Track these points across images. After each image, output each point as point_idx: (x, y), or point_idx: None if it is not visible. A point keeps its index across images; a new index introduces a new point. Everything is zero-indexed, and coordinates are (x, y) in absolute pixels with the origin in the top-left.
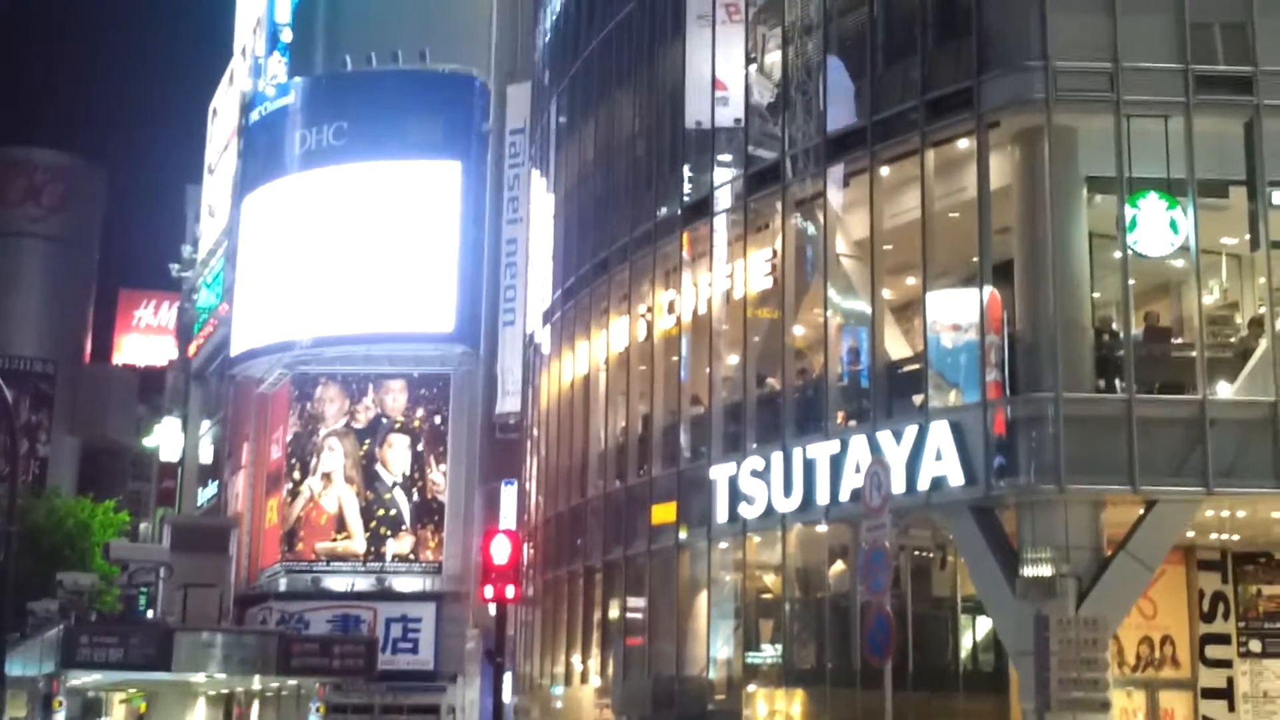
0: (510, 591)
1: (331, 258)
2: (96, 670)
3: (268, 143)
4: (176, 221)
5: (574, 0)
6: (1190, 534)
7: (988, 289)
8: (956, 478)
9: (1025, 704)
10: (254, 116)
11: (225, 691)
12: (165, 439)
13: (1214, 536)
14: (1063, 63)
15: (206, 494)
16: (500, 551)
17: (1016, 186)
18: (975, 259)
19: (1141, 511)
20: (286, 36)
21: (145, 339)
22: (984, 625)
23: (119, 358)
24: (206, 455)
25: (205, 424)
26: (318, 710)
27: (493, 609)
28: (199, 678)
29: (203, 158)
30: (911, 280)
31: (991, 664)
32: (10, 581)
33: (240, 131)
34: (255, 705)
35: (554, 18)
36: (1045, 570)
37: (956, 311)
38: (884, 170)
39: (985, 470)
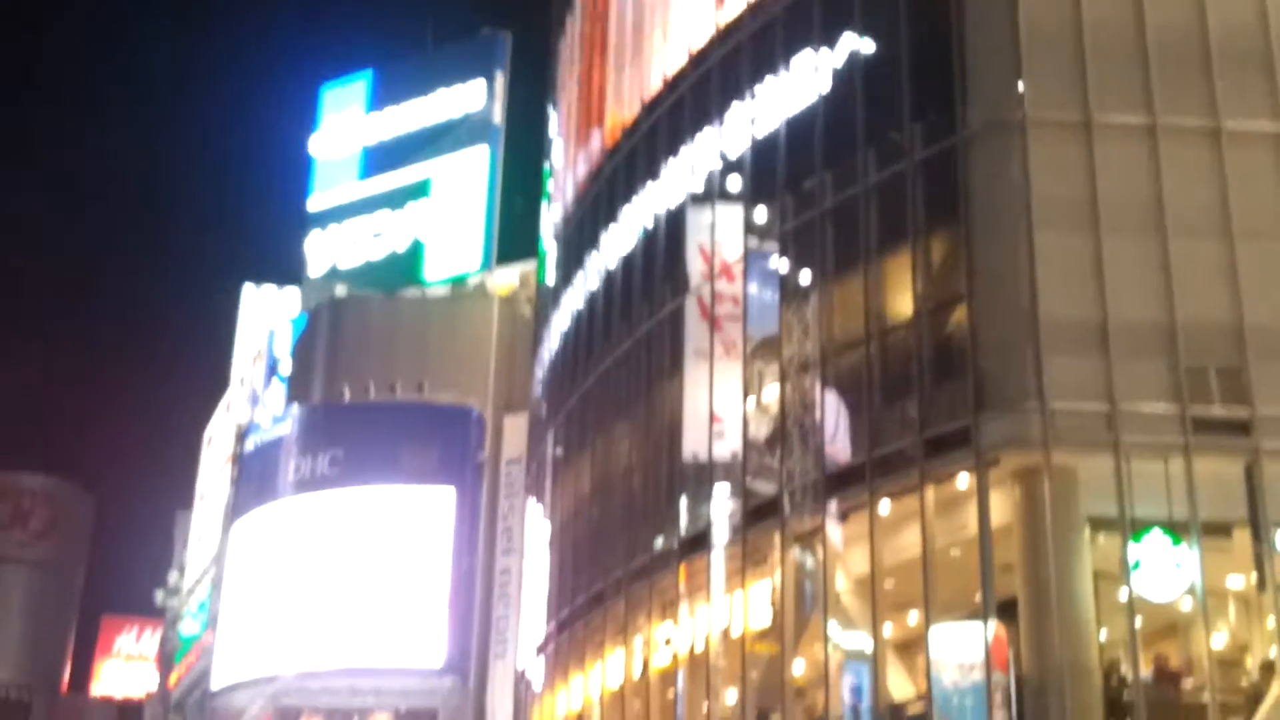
0: None
1: (320, 585)
2: None
3: (261, 470)
4: (164, 547)
5: (574, 335)
6: None
7: (992, 628)
8: None
9: None
10: (249, 445)
11: None
12: None
13: None
14: (1060, 404)
15: None
16: None
17: (1017, 525)
18: (978, 597)
19: None
20: (286, 368)
21: (126, 666)
22: None
23: (98, 686)
24: None
25: None
26: None
27: None
28: None
29: (193, 484)
30: (914, 617)
31: None
32: None
33: (234, 459)
34: None
35: (553, 352)
36: None
37: (961, 650)
38: (884, 507)
39: None
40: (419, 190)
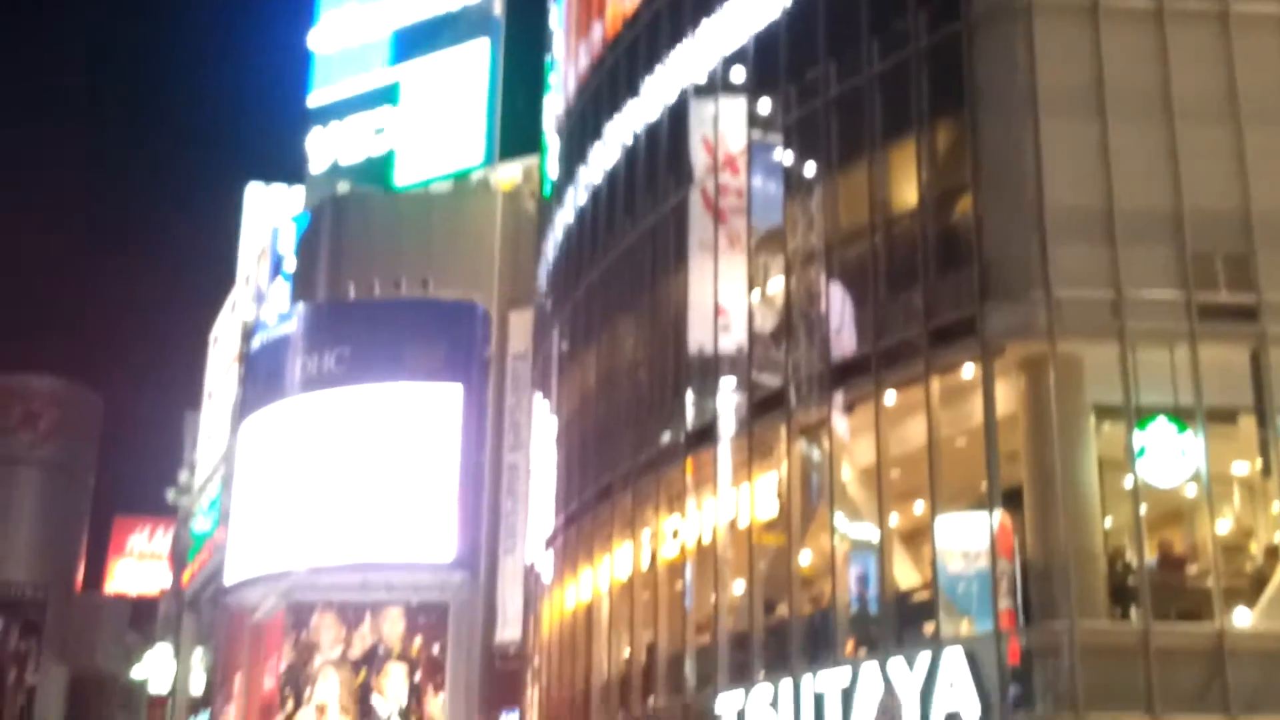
0: None
1: (329, 482)
2: None
3: (268, 369)
4: (174, 447)
5: (577, 229)
6: None
7: (997, 516)
8: (971, 709)
9: None
10: (255, 344)
11: None
12: (155, 670)
13: None
14: (1065, 292)
15: None
16: None
17: (1023, 414)
18: (984, 486)
19: None
20: (290, 265)
21: (139, 565)
22: None
23: (112, 584)
24: (198, 685)
25: (198, 651)
26: None
27: None
28: None
29: (201, 384)
30: (920, 506)
31: None
32: None
33: (241, 358)
34: None
35: (557, 246)
36: None
37: (966, 538)
38: (889, 397)
39: (1000, 702)
40: (419, 85)
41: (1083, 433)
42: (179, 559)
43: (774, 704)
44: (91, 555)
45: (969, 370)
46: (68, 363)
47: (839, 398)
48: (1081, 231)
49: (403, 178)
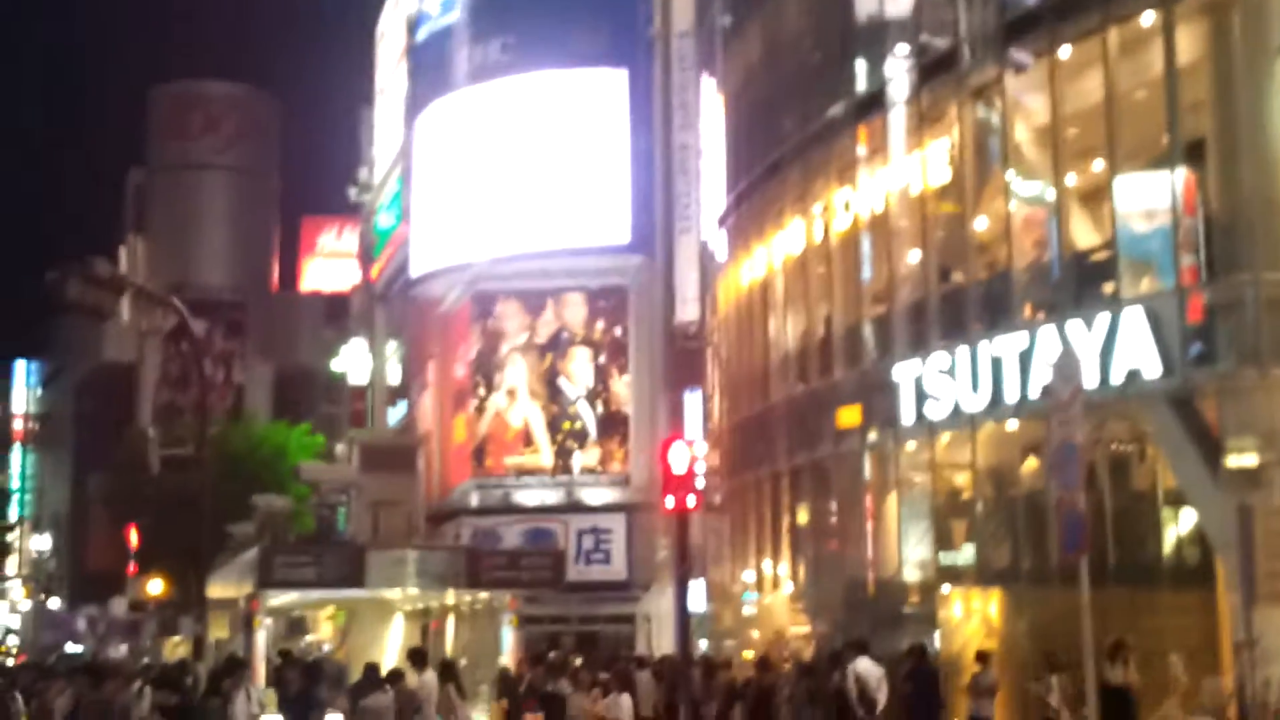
0: (691, 500)
1: (503, 173)
2: (293, 589)
3: (435, 62)
4: (352, 145)
5: None
6: None
7: (1180, 171)
8: (1152, 367)
9: (1232, 597)
10: (420, 36)
11: (421, 606)
12: (353, 362)
13: None
14: None
15: (397, 414)
16: (679, 461)
17: (1206, 61)
18: (1165, 139)
19: None
20: None
21: (330, 263)
22: (1187, 518)
23: (305, 283)
24: (394, 375)
25: (391, 344)
26: (510, 622)
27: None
28: (393, 593)
29: (373, 80)
30: (1099, 164)
31: (1196, 557)
32: (209, 506)
33: (408, 52)
34: (450, 619)
35: None
36: (1249, 459)
37: (1147, 195)
38: (1065, 52)
39: (1182, 358)
40: None
41: (1271, 77)
42: (366, 255)
43: (950, 371)
44: (284, 256)
45: (1148, 18)
46: (242, 69)
47: (1012, 56)
48: None
49: None
